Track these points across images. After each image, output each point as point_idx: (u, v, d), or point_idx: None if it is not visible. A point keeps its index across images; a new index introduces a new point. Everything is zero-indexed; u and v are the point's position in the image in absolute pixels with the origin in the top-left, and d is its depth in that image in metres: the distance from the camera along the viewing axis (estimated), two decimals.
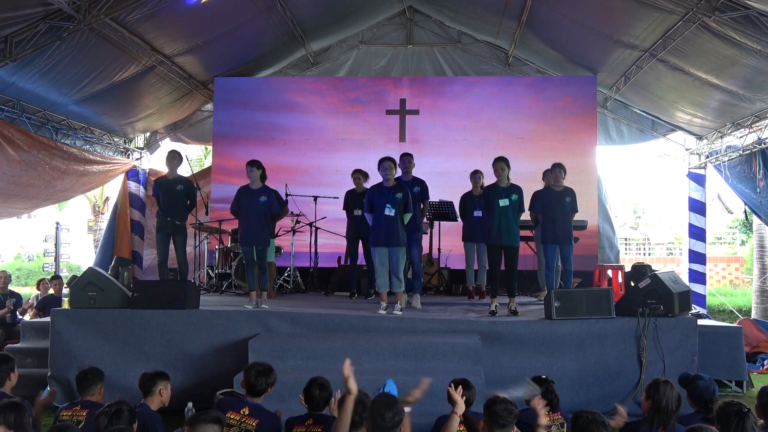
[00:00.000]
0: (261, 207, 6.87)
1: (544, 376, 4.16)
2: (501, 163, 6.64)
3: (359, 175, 8.30)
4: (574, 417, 3.41)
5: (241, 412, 3.84)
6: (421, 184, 7.37)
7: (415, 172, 7.54)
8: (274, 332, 6.15)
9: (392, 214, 6.49)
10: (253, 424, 3.82)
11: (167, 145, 12.56)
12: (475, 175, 8.22)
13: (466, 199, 8.32)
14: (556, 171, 7.16)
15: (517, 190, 6.65)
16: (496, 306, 6.58)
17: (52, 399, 4.31)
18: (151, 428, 3.77)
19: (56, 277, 9.20)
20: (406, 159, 7.42)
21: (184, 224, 7.55)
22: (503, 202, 6.54)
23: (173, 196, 7.46)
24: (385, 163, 6.65)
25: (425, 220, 9.07)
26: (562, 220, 7.06)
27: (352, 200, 8.27)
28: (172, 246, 7.62)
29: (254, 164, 6.95)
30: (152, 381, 4.07)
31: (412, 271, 7.24)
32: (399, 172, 7.07)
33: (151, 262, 11.55)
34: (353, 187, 8.32)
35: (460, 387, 3.50)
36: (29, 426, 3.30)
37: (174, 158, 7.63)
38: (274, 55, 11.10)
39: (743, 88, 8.25)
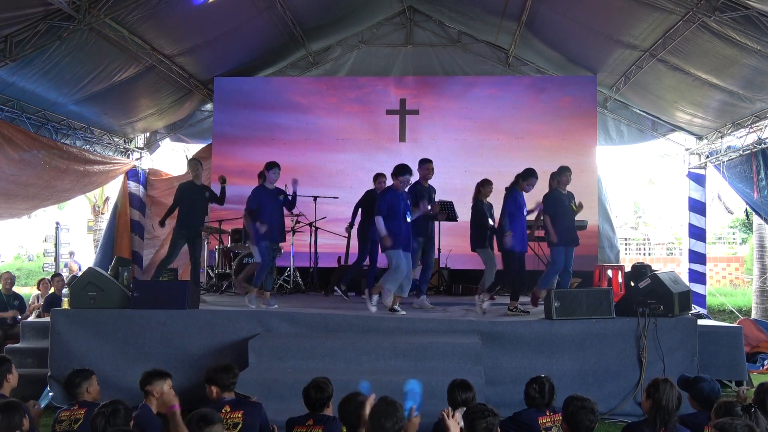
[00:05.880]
0: (281, 205, 7.41)
1: (544, 375, 4.16)
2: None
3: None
4: (564, 403, 3.44)
5: (224, 411, 3.90)
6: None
7: (415, 172, 7.51)
8: (274, 332, 6.15)
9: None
10: (239, 416, 3.92)
11: (167, 145, 12.55)
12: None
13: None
14: (566, 174, 7.08)
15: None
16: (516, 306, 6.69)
17: (39, 413, 4.26)
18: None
19: (57, 275, 9.17)
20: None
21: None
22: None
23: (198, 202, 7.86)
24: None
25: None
26: (572, 222, 7.11)
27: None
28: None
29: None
30: (145, 381, 4.05)
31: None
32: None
33: (151, 262, 11.55)
34: (373, 187, 8.13)
35: (456, 412, 3.38)
36: (21, 426, 3.29)
37: (196, 167, 8.03)
38: (274, 55, 11.09)
39: (743, 88, 8.24)
